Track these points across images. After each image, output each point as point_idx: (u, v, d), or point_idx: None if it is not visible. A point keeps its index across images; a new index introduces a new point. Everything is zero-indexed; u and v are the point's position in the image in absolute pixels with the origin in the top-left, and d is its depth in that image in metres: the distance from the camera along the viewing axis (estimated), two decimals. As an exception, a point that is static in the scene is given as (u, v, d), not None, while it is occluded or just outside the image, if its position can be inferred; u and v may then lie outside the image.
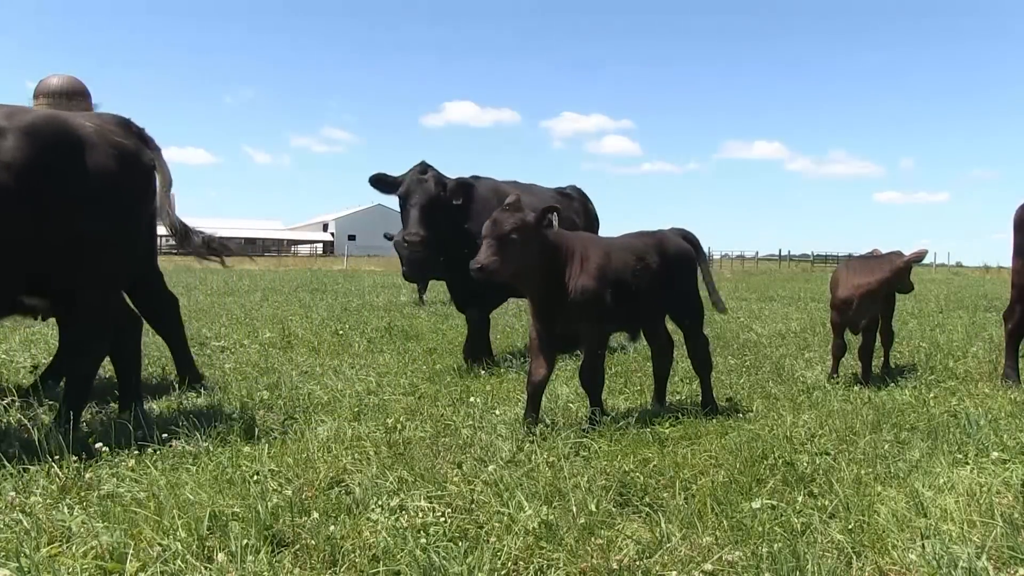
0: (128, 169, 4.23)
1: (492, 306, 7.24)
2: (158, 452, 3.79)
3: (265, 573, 2.55)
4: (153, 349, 7.37)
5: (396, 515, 2.99)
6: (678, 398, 5.49)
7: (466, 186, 6.56)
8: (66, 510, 3.02)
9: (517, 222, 4.29)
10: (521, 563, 2.67)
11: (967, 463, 3.79)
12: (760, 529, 2.92)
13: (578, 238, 4.75)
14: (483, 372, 6.35)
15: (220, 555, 2.61)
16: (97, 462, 3.58)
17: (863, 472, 3.62)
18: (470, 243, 6.26)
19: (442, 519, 2.96)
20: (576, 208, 8.00)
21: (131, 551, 2.65)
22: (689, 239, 5.24)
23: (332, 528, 2.83)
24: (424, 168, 6.45)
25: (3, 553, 2.63)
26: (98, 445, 3.69)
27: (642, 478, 3.53)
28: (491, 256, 4.26)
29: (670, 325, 5.30)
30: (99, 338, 4.28)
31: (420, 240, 6.19)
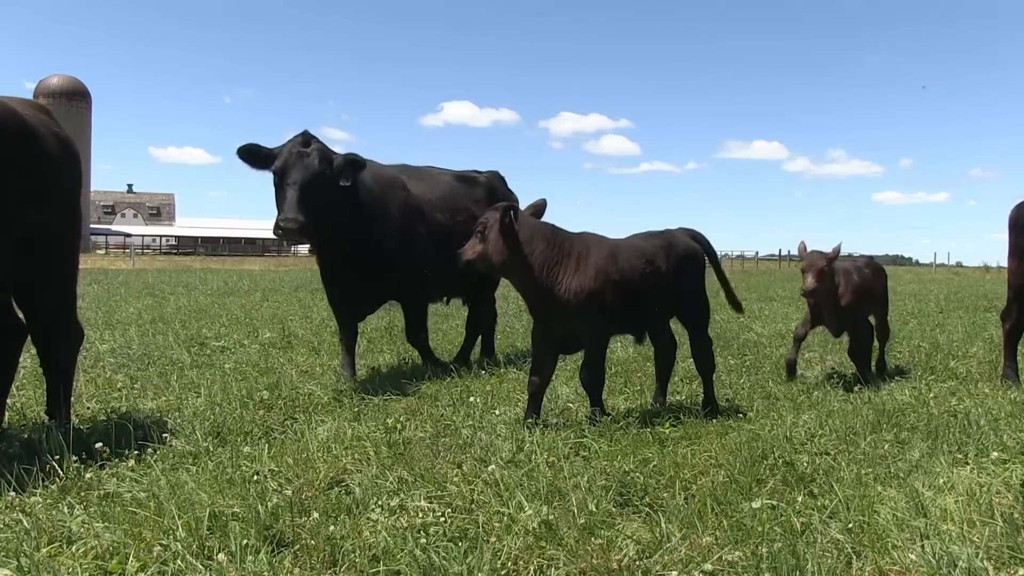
0: (68, 158, 4.05)
1: (371, 310, 6.50)
2: (158, 452, 3.79)
3: (265, 573, 2.55)
4: (153, 349, 7.38)
5: (396, 515, 3.00)
6: (678, 398, 5.49)
7: (357, 164, 5.45)
8: (66, 510, 3.02)
9: (484, 220, 4.54)
10: (521, 563, 2.67)
11: (967, 463, 3.79)
12: (760, 529, 2.92)
13: (579, 238, 4.73)
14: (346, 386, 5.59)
15: (220, 555, 2.61)
16: (97, 462, 3.58)
17: (863, 472, 3.62)
18: (353, 236, 5.69)
19: (442, 519, 2.96)
20: (478, 196, 6.93)
21: (131, 551, 2.65)
22: (698, 239, 5.22)
23: (332, 528, 2.83)
24: (307, 139, 5.34)
25: (3, 553, 2.63)
26: (98, 445, 3.69)
27: (642, 478, 3.53)
28: (471, 246, 4.53)
29: (674, 324, 5.30)
30: (72, 329, 4.17)
31: (298, 227, 5.02)
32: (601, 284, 4.51)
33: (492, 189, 7.19)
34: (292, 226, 5.00)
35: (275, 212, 5.27)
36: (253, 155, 5.36)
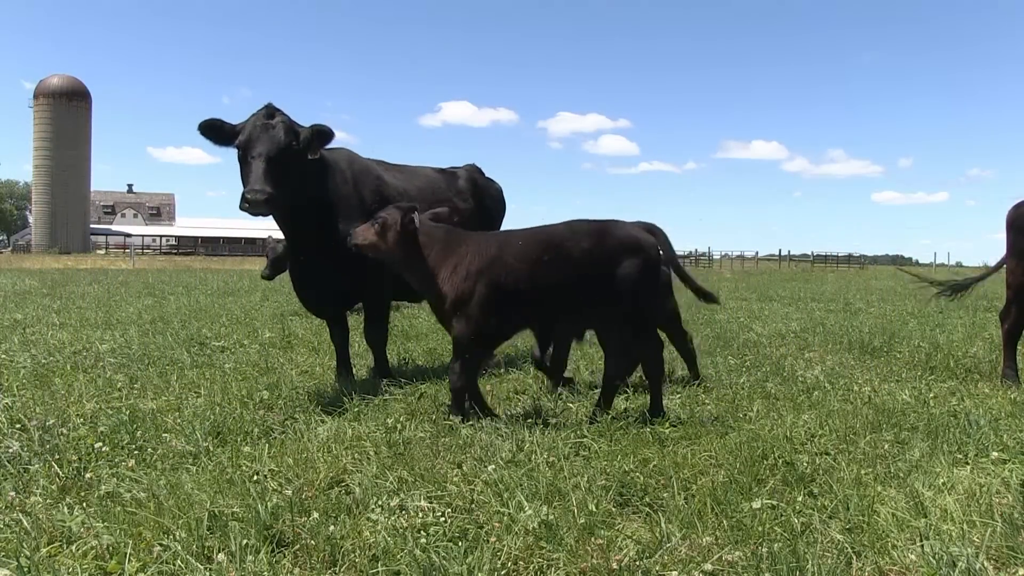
0: None
1: (346, 304, 6.20)
2: (158, 452, 3.79)
3: (265, 573, 2.55)
4: (153, 349, 7.38)
5: (396, 515, 3.00)
6: (678, 398, 5.49)
7: (323, 134, 5.22)
8: (66, 510, 3.02)
9: (385, 216, 4.76)
10: (521, 563, 2.67)
11: (967, 463, 3.79)
12: (760, 529, 2.92)
13: (470, 238, 4.76)
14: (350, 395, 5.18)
15: (220, 555, 2.62)
16: (97, 462, 3.58)
17: (863, 472, 3.62)
18: (322, 220, 5.53)
19: (442, 519, 2.96)
20: (461, 188, 6.79)
21: (131, 551, 2.65)
22: (655, 234, 4.76)
23: (332, 528, 2.83)
24: (271, 111, 5.16)
25: (3, 553, 2.63)
26: (98, 445, 3.69)
27: (642, 478, 3.53)
28: (365, 232, 4.79)
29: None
30: None
31: (266, 199, 4.79)
32: (472, 284, 4.52)
33: (473, 182, 7.03)
34: (260, 197, 4.78)
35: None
36: (216, 131, 5.13)
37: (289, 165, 5.04)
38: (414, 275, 4.78)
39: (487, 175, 7.48)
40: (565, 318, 4.88)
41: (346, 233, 5.64)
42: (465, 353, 4.60)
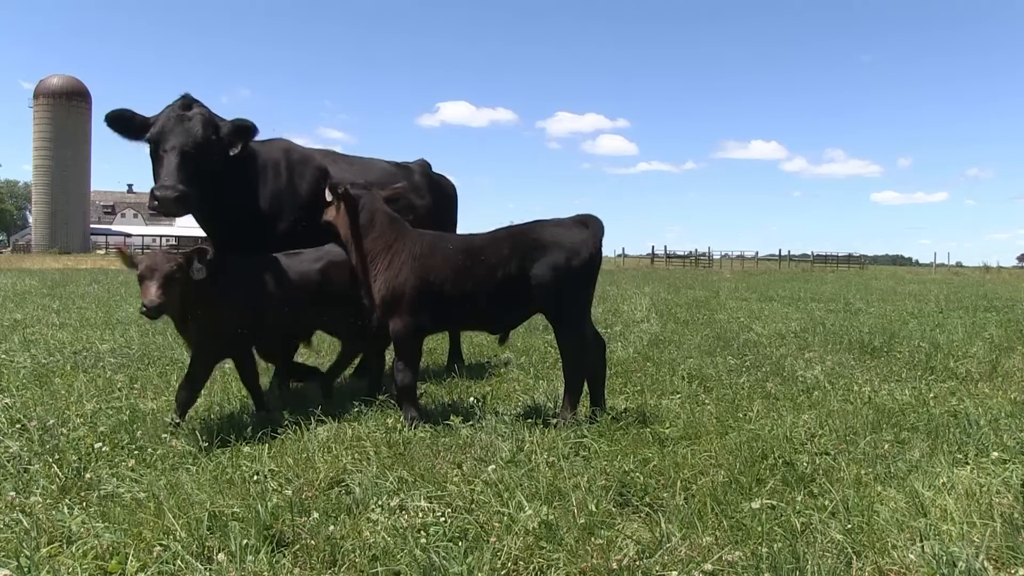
0: None
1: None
2: (158, 452, 3.79)
3: (265, 573, 2.55)
4: (153, 349, 7.38)
5: (396, 515, 3.00)
6: (677, 398, 5.49)
7: (246, 130, 4.72)
8: (66, 510, 3.02)
9: (337, 184, 4.72)
10: (521, 563, 2.67)
11: (967, 463, 3.79)
12: (760, 529, 2.92)
13: (409, 234, 4.74)
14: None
15: (220, 555, 2.62)
16: (97, 462, 3.58)
17: (863, 472, 3.62)
18: (254, 219, 5.03)
19: (442, 519, 2.96)
20: (417, 183, 6.40)
21: (131, 551, 2.65)
22: (587, 224, 4.67)
23: (332, 528, 2.84)
24: (188, 102, 4.63)
25: (3, 553, 2.64)
26: (98, 445, 3.69)
27: (642, 478, 3.53)
28: (329, 211, 4.76)
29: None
30: None
31: (178, 196, 4.27)
32: (403, 282, 4.53)
33: (428, 177, 6.72)
34: (170, 195, 4.25)
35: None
36: (125, 123, 4.58)
37: (206, 161, 4.54)
38: (356, 256, 4.70)
39: (458, 174, 7.33)
40: (494, 317, 4.85)
41: (283, 232, 5.19)
42: (405, 350, 4.63)
